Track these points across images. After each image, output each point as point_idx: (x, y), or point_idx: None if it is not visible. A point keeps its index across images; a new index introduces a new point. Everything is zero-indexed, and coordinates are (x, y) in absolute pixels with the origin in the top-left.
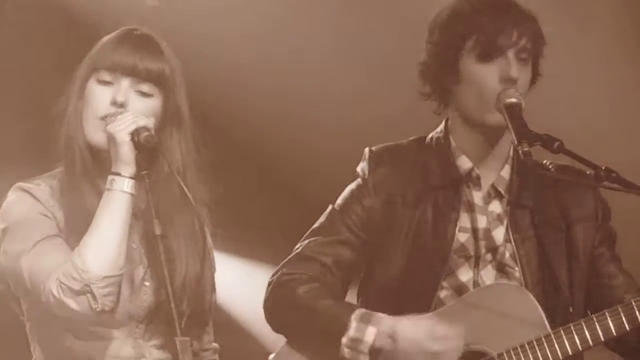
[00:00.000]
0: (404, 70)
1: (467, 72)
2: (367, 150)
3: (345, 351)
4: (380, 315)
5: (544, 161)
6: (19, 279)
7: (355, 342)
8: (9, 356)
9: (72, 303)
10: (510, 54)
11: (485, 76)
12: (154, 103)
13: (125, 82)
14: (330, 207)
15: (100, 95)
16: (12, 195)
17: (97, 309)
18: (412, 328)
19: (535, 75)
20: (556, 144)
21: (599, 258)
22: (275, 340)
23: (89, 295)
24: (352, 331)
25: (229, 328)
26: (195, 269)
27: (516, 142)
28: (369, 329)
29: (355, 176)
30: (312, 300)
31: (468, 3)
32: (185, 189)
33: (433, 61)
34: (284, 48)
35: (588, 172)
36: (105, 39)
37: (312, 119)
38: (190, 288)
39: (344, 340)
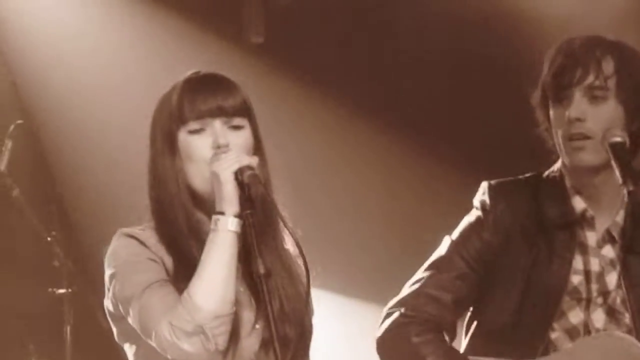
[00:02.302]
0: None
1: (552, 117)
2: (485, 184)
3: None
4: None
5: None
6: (129, 324)
7: None
8: None
9: (185, 345)
10: (577, 93)
11: (556, 119)
12: (247, 133)
13: (217, 124)
14: (447, 238)
15: (200, 144)
16: (118, 241)
17: (211, 349)
18: None
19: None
20: None
21: None
22: None
23: (201, 335)
24: None
25: None
26: (288, 286)
27: (621, 181)
28: None
29: (471, 208)
30: (425, 352)
31: (568, 45)
32: (283, 219)
33: (537, 103)
34: None
35: None
36: (176, 91)
37: None
38: (288, 308)
39: None
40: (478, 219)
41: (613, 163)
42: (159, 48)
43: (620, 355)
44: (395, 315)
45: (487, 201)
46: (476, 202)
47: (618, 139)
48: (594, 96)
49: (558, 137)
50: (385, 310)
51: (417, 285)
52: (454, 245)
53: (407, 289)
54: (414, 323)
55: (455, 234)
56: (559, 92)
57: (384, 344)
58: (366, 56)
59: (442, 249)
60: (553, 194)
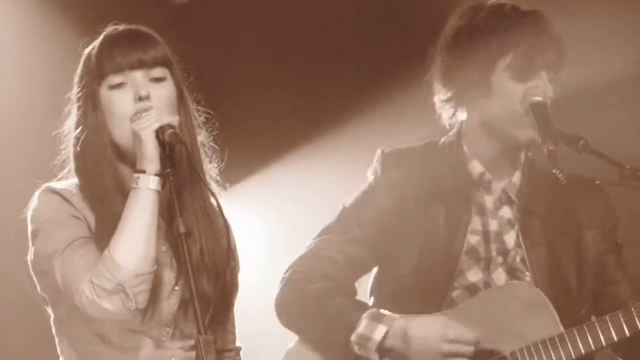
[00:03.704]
0: None
1: (501, 88)
2: (379, 152)
3: (355, 348)
4: (394, 315)
5: (554, 171)
6: (51, 280)
7: (364, 340)
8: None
9: (106, 303)
10: (544, 74)
11: (520, 95)
12: (169, 85)
13: (138, 76)
14: (341, 207)
15: (121, 99)
16: (42, 197)
17: (132, 308)
18: (424, 329)
19: None
20: (581, 143)
21: (606, 266)
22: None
23: (122, 294)
24: (361, 328)
25: None
26: (211, 243)
27: (541, 141)
28: (379, 327)
29: (366, 177)
30: (324, 298)
31: (502, 12)
32: (204, 178)
33: (460, 69)
34: None
35: (597, 182)
36: (95, 48)
37: None
38: (209, 263)
39: (353, 337)
40: (371, 186)
41: (532, 122)
42: (64, 9)
43: (524, 302)
44: (289, 274)
45: (380, 168)
46: (370, 170)
47: (539, 99)
48: (551, 79)
49: (513, 112)
50: (282, 277)
51: (309, 249)
52: (347, 211)
53: (299, 255)
54: (309, 278)
55: (349, 201)
56: (530, 72)
57: (282, 302)
58: (290, 18)
59: (335, 216)
60: (450, 158)
